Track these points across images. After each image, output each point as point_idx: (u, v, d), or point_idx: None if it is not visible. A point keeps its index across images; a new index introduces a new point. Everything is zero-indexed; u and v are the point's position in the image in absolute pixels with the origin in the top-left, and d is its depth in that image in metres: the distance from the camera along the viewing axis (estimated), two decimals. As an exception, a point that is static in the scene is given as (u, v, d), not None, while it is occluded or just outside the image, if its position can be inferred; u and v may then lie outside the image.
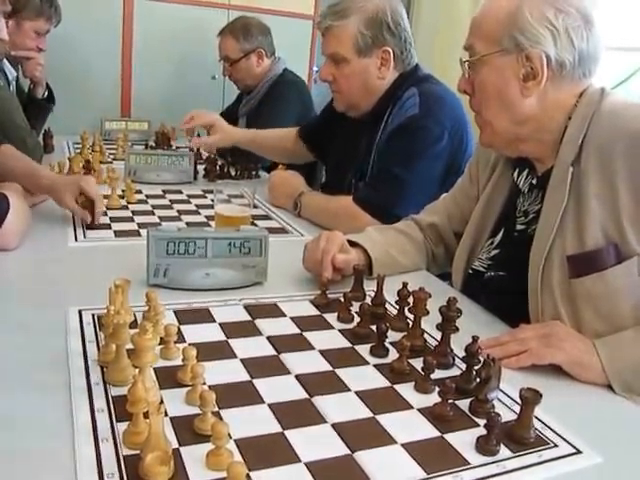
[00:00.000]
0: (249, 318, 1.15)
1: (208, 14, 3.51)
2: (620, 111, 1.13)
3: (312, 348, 1.05)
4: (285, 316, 1.17)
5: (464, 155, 1.79)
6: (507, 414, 0.88)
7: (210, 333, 1.07)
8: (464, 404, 0.91)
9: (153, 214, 1.79)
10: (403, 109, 1.80)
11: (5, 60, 2.37)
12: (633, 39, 3.18)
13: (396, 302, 1.16)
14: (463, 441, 0.83)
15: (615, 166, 1.08)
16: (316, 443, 0.80)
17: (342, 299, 1.19)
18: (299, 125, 2.35)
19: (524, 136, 1.21)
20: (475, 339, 0.96)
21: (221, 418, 0.82)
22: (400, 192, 1.70)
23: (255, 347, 1.04)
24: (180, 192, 2.06)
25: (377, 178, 1.78)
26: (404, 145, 1.75)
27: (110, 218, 1.71)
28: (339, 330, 1.13)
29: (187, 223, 1.73)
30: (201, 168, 2.32)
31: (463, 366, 0.98)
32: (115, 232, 1.60)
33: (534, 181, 1.26)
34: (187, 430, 0.79)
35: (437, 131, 1.74)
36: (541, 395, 0.83)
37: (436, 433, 0.84)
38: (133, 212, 1.79)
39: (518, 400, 0.86)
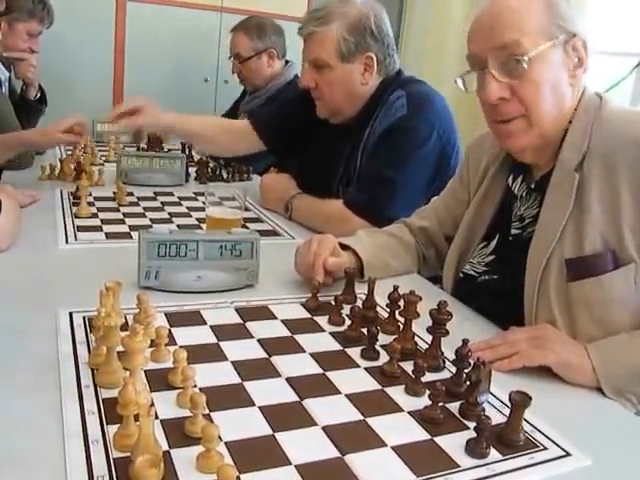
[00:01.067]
0: (240, 321, 1.15)
1: (200, 16, 3.51)
2: (624, 118, 1.14)
3: (303, 351, 1.05)
4: (276, 319, 1.17)
5: (452, 154, 1.80)
6: (497, 417, 0.88)
7: (201, 335, 1.07)
8: (454, 407, 0.91)
9: (144, 216, 1.79)
10: (391, 111, 1.80)
11: (-3, 61, 2.37)
12: (624, 44, 3.20)
13: (387, 305, 1.16)
14: (453, 444, 0.83)
15: (619, 173, 1.09)
16: (307, 446, 0.80)
17: (333, 302, 1.19)
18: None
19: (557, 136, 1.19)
20: (465, 342, 0.97)
21: (212, 421, 0.82)
22: (391, 194, 1.71)
23: (246, 350, 1.04)
24: (171, 194, 2.06)
25: (368, 180, 1.78)
26: (394, 146, 1.75)
27: (101, 220, 1.70)
28: (330, 333, 1.13)
29: (178, 225, 1.73)
30: (193, 170, 2.32)
31: (453, 369, 0.99)
32: (106, 234, 1.60)
33: (532, 185, 1.26)
34: (177, 433, 0.79)
35: (426, 131, 1.75)
36: (531, 398, 0.83)
37: (426, 436, 0.84)
38: (124, 214, 1.78)
39: (507, 403, 0.86)
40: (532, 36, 1.12)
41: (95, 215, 1.74)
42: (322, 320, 1.18)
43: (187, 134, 2.21)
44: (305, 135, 2.08)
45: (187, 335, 1.06)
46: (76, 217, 1.71)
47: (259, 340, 1.07)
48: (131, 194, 1.97)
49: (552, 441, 0.85)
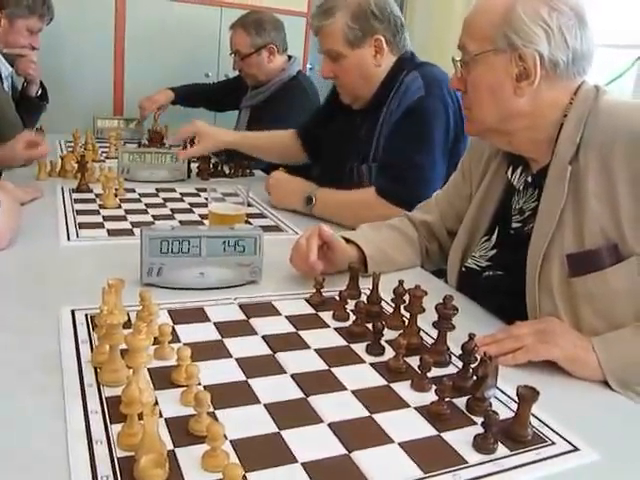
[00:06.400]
0: (244, 317, 1.14)
1: (201, 11, 3.49)
2: (619, 110, 1.13)
3: (308, 347, 1.05)
4: (280, 315, 1.16)
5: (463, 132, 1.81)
6: (504, 412, 0.87)
7: (205, 333, 1.06)
8: (461, 402, 0.90)
9: (146, 212, 1.78)
10: (409, 92, 1.84)
11: (0, 56, 2.35)
12: (626, 36, 3.19)
13: (392, 300, 1.15)
14: (460, 440, 0.82)
15: (615, 166, 1.07)
16: (313, 443, 0.79)
17: (337, 297, 1.19)
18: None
19: (514, 130, 1.21)
20: (472, 337, 0.96)
21: (216, 419, 0.81)
22: (422, 179, 1.74)
23: (250, 346, 1.03)
24: (173, 190, 2.05)
25: (397, 167, 1.78)
26: (418, 129, 1.79)
27: (103, 217, 1.69)
28: (335, 329, 1.13)
29: (180, 221, 1.72)
30: (194, 166, 2.31)
31: (459, 364, 0.98)
32: (108, 231, 1.59)
33: (529, 179, 1.26)
34: (182, 431, 0.78)
35: (442, 109, 1.80)
36: (539, 393, 0.82)
37: (433, 432, 0.84)
38: (126, 211, 1.77)
39: (514, 398, 0.85)
40: (476, 41, 1.19)
41: (97, 212, 1.73)
42: (326, 316, 1.17)
43: (251, 149, 2.31)
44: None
45: (190, 332, 1.06)
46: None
47: (263, 336, 1.07)
48: (132, 191, 1.96)
49: (560, 436, 0.85)
